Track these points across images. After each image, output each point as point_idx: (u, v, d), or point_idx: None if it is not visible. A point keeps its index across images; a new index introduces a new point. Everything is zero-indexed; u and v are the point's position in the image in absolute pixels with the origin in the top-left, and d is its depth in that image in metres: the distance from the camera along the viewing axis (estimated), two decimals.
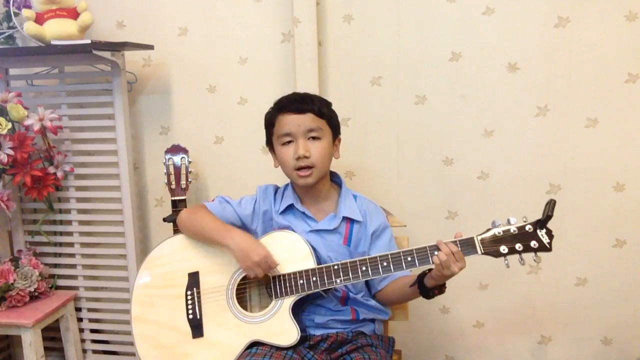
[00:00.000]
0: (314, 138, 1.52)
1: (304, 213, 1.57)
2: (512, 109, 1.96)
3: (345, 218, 1.56)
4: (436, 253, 1.35)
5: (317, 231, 1.55)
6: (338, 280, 1.42)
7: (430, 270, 1.40)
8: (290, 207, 1.59)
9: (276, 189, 1.66)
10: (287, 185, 1.65)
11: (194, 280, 1.53)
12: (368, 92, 2.05)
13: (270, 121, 1.58)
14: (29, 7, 2.07)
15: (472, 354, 2.16)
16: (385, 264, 1.40)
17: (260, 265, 1.42)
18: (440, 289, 1.42)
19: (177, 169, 2.05)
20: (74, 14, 2.01)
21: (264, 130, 1.62)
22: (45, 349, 2.10)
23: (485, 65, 1.95)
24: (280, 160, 1.56)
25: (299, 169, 1.51)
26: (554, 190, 1.98)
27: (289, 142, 1.52)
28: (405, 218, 1.82)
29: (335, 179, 1.65)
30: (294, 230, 1.53)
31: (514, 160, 1.99)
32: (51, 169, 2.10)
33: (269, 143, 1.62)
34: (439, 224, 2.07)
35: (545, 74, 1.92)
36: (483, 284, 2.09)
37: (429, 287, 1.41)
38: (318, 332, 1.49)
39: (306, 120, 1.51)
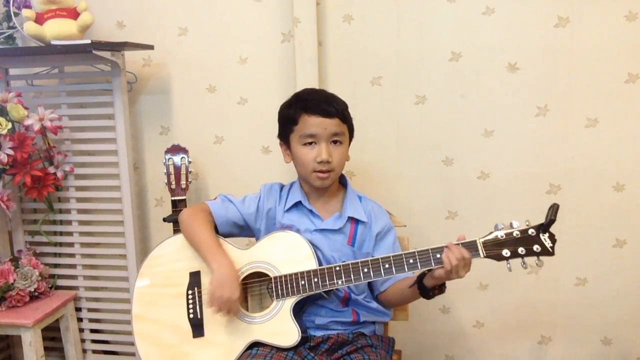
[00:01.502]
0: (335, 142, 1.51)
1: (311, 211, 1.57)
2: (512, 109, 1.96)
3: (350, 218, 1.56)
4: (438, 255, 1.35)
5: (322, 230, 1.54)
6: (340, 282, 1.41)
7: (429, 270, 1.40)
8: (296, 205, 1.58)
9: (281, 186, 1.66)
10: (293, 183, 1.64)
11: (195, 279, 1.52)
12: (368, 92, 2.05)
13: (292, 118, 1.53)
14: (29, 7, 2.07)
15: (472, 354, 2.17)
16: (387, 265, 1.39)
17: (220, 306, 1.41)
18: (440, 288, 1.41)
19: (177, 169, 2.05)
20: (74, 14, 2.00)
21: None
22: (45, 349, 2.10)
23: (485, 65, 1.95)
24: (299, 160, 1.54)
25: (319, 171, 1.50)
26: (554, 190, 1.98)
27: (311, 142, 1.51)
28: (405, 218, 1.82)
29: (341, 179, 1.64)
30: (296, 231, 1.52)
31: (514, 160, 1.99)
32: (51, 169, 2.10)
33: (283, 137, 1.59)
34: (439, 224, 2.08)
35: (545, 74, 1.92)
36: (483, 284, 2.09)
37: (428, 287, 1.41)
38: (318, 333, 1.49)
39: (332, 124, 1.50)
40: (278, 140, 1.63)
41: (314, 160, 1.50)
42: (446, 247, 1.35)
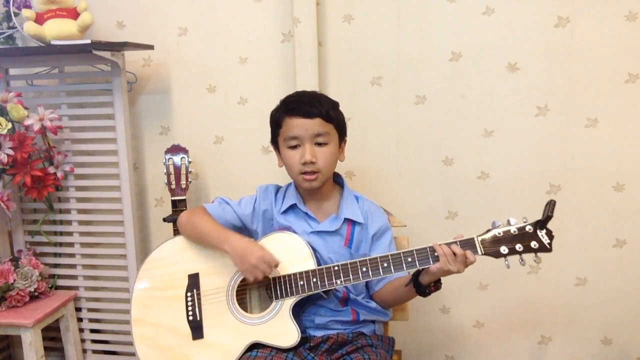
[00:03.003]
0: (320, 143, 1.50)
1: (306, 214, 1.57)
2: (512, 109, 1.96)
3: (346, 220, 1.55)
4: (436, 254, 1.35)
5: (318, 232, 1.54)
6: (338, 281, 1.42)
7: (423, 268, 1.40)
8: (292, 207, 1.58)
9: (277, 188, 1.66)
10: (289, 184, 1.64)
11: (194, 281, 1.52)
12: (368, 92, 2.05)
13: (277, 122, 1.55)
14: (29, 7, 2.07)
15: (472, 354, 2.17)
16: (385, 264, 1.40)
17: (259, 267, 1.40)
18: (435, 285, 1.42)
19: (177, 169, 2.05)
20: (74, 14, 2.00)
21: (266, 129, 1.60)
22: (45, 349, 2.10)
23: (485, 65, 1.95)
24: (286, 163, 1.55)
25: (305, 173, 1.50)
26: (554, 190, 1.98)
27: (296, 145, 1.51)
28: (405, 218, 1.82)
29: (337, 180, 1.64)
30: (294, 231, 1.52)
31: (514, 160, 1.99)
32: (51, 169, 2.10)
33: (274, 141, 1.60)
34: (439, 224, 2.07)
35: (545, 74, 1.92)
36: (483, 284, 2.09)
37: (424, 285, 1.41)
38: (318, 333, 1.49)
39: (314, 125, 1.49)
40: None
41: (299, 162, 1.49)
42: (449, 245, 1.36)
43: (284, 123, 1.52)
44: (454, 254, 1.34)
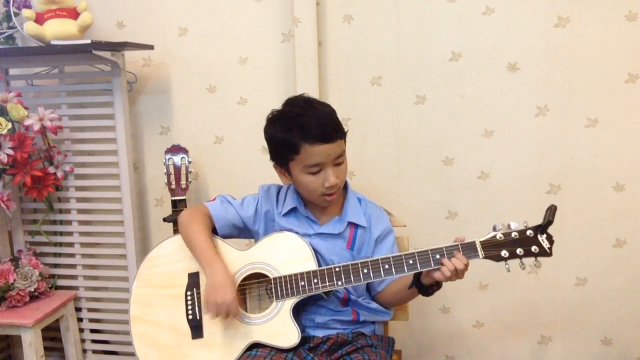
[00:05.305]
0: (339, 163, 1.47)
1: (307, 217, 1.56)
2: (512, 109, 1.96)
3: (349, 222, 1.54)
4: (437, 256, 1.35)
5: (321, 234, 1.54)
6: (339, 283, 1.41)
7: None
8: (293, 210, 1.57)
9: (278, 189, 1.64)
10: (289, 186, 1.63)
11: (194, 280, 1.52)
12: (368, 92, 2.05)
13: (292, 147, 1.43)
14: (29, 7, 2.07)
15: (472, 354, 2.17)
16: (387, 266, 1.39)
17: (219, 308, 1.40)
18: (437, 284, 1.42)
19: (177, 169, 2.05)
20: (74, 14, 2.01)
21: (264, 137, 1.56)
22: (45, 349, 2.10)
23: (485, 65, 1.95)
24: (304, 187, 1.49)
25: (327, 194, 1.48)
26: (554, 190, 1.98)
27: (317, 171, 1.45)
28: (405, 218, 1.82)
29: None
30: (295, 232, 1.51)
31: (514, 160, 1.99)
32: (51, 169, 2.10)
33: (281, 162, 1.51)
34: (439, 224, 2.08)
35: (545, 74, 1.92)
36: (483, 284, 2.09)
37: (426, 285, 1.41)
38: (318, 333, 1.49)
39: (336, 148, 1.44)
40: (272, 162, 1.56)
41: (322, 185, 1.46)
42: (450, 249, 1.35)
43: (303, 149, 1.42)
44: (457, 270, 1.33)
